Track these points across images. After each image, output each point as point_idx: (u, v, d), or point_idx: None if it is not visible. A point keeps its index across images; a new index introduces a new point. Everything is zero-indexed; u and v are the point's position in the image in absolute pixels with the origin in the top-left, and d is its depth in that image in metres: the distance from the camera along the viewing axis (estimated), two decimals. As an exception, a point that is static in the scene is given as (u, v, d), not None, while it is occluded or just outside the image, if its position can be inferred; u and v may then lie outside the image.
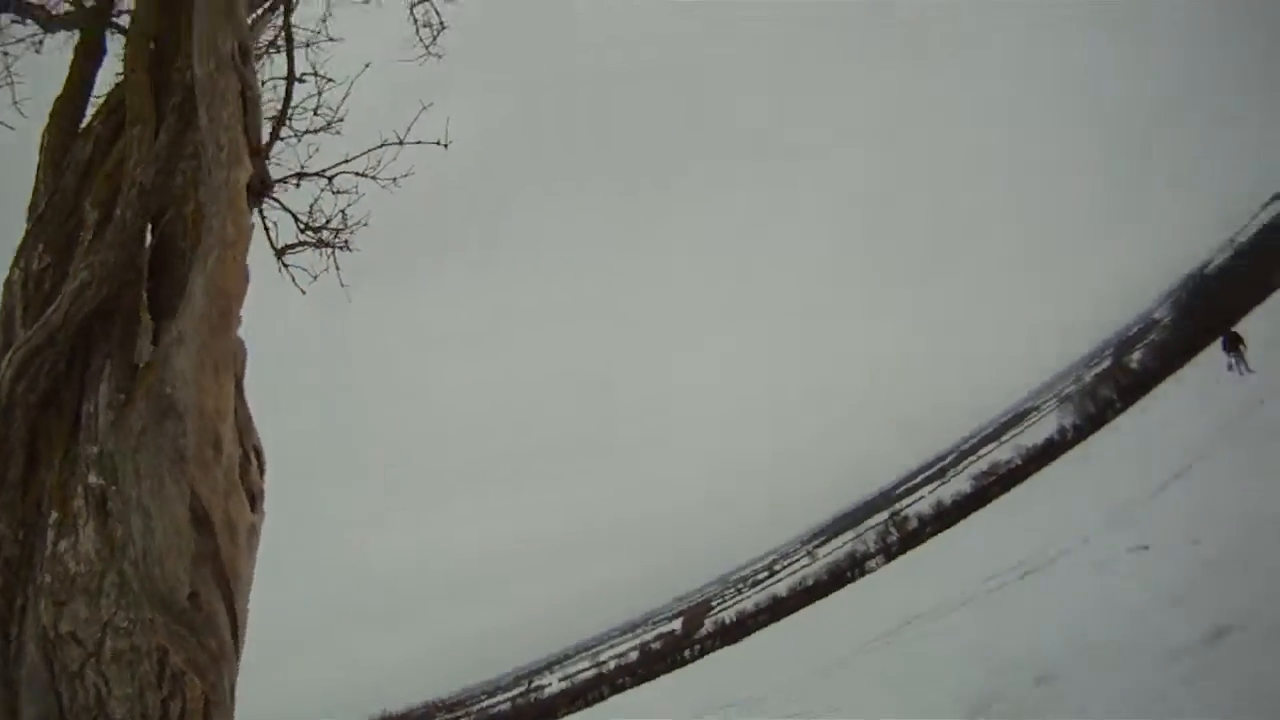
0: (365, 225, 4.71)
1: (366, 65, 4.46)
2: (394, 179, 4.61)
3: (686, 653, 69.18)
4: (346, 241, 4.74)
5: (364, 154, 4.49)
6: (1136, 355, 65.12)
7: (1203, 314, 43.78)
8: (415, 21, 4.73)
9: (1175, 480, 10.69)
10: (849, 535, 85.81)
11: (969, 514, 47.30)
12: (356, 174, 4.54)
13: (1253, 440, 10.12)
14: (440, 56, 4.92)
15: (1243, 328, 19.90)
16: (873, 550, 65.00)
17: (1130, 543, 8.25)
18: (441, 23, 4.80)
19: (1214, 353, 21.91)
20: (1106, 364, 79.68)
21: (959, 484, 73.03)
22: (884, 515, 79.78)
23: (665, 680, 53.95)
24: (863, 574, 55.70)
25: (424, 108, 4.34)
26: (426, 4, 4.71)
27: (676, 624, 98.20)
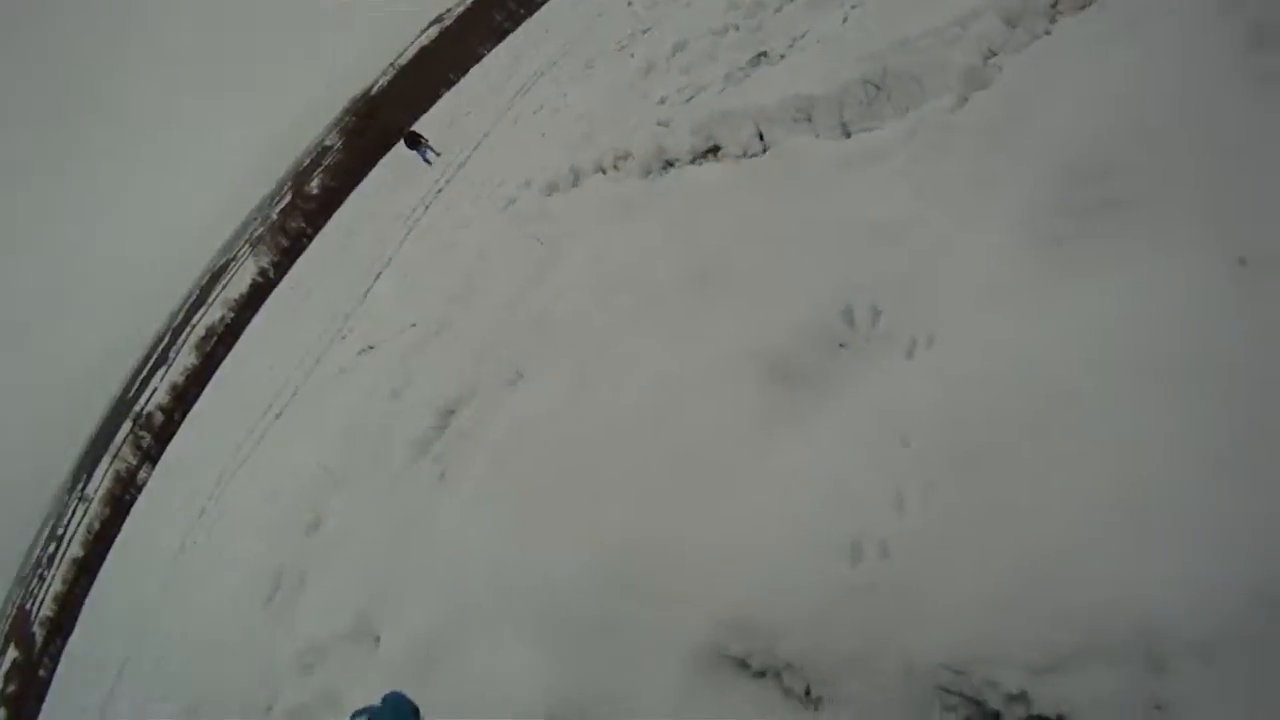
0: None
1: None
2: None
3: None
4: None
5: None
6: (315, 182, 68.21)
7: (375, 129, 51.95)
8: None
9: (378, 280, 11.90)
10: (106, 461, 73.58)
11: (206, 382, 45.94)
12: None
13: (448, 200, 11.81)
14: None
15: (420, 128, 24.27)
16: (136, 463, 58.71)
17: (359, 346, 8.60)
18: None
19: (400, 153, 25.79)
20: (289, 198, 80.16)
21: (185, 359, 69.87)
22: (128, 424, 72.11)
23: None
24: (139, 490, 48.62)
25: None
26: None
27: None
